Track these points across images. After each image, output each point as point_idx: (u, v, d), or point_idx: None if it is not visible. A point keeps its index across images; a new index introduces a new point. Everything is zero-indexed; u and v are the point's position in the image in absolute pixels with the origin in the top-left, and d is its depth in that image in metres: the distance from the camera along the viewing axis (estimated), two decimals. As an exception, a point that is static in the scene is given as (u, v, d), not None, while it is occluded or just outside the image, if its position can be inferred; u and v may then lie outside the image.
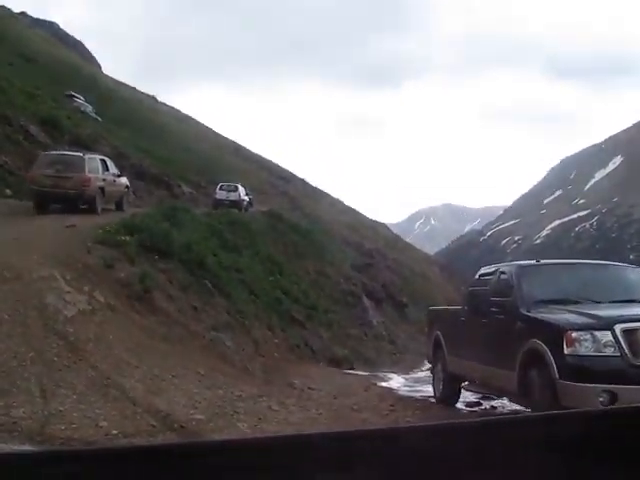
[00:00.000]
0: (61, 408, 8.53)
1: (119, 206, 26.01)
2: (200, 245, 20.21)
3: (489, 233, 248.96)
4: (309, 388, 14.30)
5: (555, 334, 8.13)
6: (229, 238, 25.37)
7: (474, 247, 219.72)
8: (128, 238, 17.25)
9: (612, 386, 7.63)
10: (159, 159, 47.41)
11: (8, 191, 25.41)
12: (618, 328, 7.83)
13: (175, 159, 52.40)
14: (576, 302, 9.20)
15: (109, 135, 43.92)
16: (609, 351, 7.81)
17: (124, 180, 27.24)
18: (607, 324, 7.93)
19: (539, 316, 8.85)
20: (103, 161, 25.22)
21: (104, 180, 24.40)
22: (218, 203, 39.19)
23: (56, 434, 7.67)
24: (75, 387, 9.35)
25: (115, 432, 8.09)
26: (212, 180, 54.36)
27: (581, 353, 7.89)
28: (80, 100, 52.86)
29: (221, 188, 41.91)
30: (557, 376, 7.94)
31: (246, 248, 26.34)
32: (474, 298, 10.95)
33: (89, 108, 52.55)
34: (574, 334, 7.97)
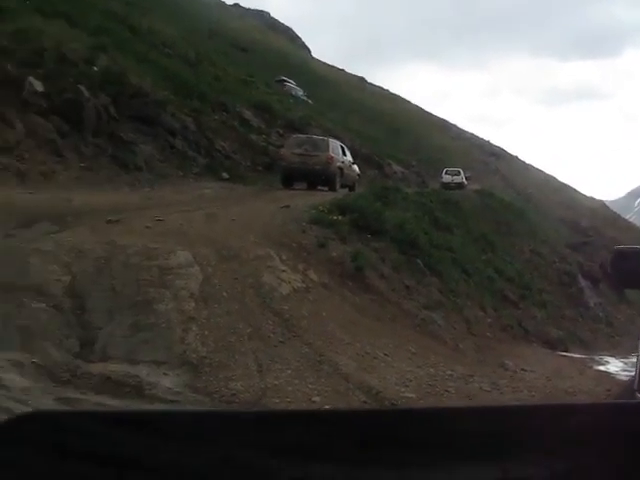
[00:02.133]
0: (276, 382, 8.76)
1: (351, 190, 27.08)
2: (412, 224, 20.14)
3: None
4: (522, 369, 13.90)
5: None
6: (440, 217, 25.14)
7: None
8: (341, 218, 17.46)
9: None
10: (369, 139, 47.80)
11: (225, 174, 26.47)
12: None
13: (385, 139, 52.67)
14: None
15: (320, 117, 44.72)
16: None
17: (356, 168, 29.54)
18: None
19: None
20: (342, 147, 27.96)
21: (342, 163, 26.83)
22: (444, 187, 41.94)
23: (271, 407, 7.88)
24: (289, 362, 9.56)
25: (327, 407, 8.19)
26: (422, 159, 54.21)
27: None
28: (291, 84, 54.20)
29: (446, 173, 46.46)
30: None
31: (458, 227, 26.02)
32: None
33: (300, 92, 53.76)
34: None
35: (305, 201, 20.20)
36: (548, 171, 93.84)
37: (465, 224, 27.83)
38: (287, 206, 18.87)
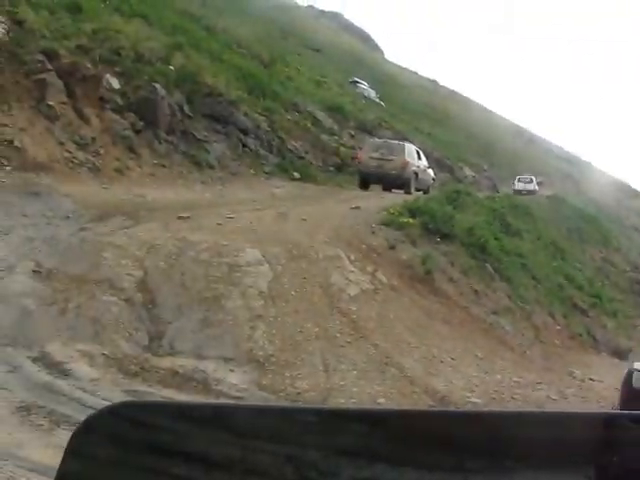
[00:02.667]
0: (342, 383, 8.75)
1: (425, 193, 27.29)
2: (482, 229, 19.93)
3: None
4: (590, 379, 13.64)
5: None
6: (511, 222, 24.82)
7: None
8: (411, 220, 17.38)
9: None
10: (440, 142, 47.51)
11: (296, 174, 26.58)
12: None
13: (456, 142, 52.26)
14: None
15: (392, 119, 44.60)
16: None
17: (431, 172, 30.20)
18: None
19: None
20: (417, 152, 28.48)
21: (417, 167, 27.37)
22: (517, 194, 42.10)
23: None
24: (355, 363, 9.54)
25: (392, 407, 8.14)
26: (494, 163, 53.64)
27: None
28: (364, 86, 54.13)
29: (519, 180, 47.52)
30: None
31: (528, 232, 25.66)
32: None
33: (372, 94, 53.66)
34: None
35: (376, 203, 20.15)
36: (623, 178, 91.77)
37: (536, 230, 27.44)
38: (357, 207, 18.86)
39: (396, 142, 28.48)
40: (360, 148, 29.24)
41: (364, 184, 26.36)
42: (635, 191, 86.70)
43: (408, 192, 25.32)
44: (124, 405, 1.23)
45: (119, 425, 1.19)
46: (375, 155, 26.27)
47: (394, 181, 25.98)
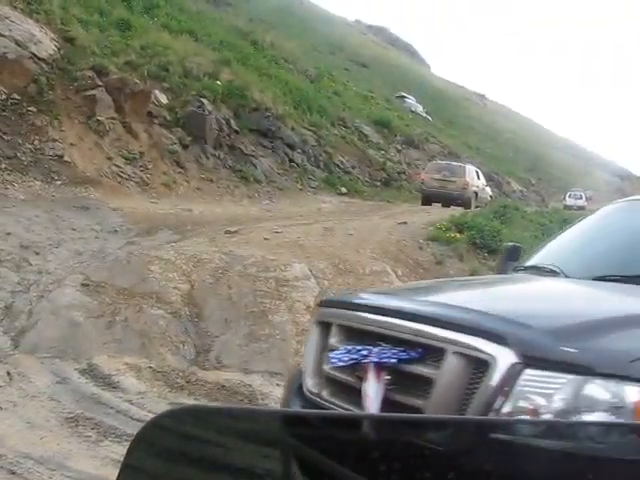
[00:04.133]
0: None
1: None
2: (530, 244, 19.66)
3: None
4: None
5: None
6: (560, 237, 24.48)
7: None
8: (458, 235, 17.23)
9: None
10: (488, 157, 47.26)
11: (343, 189, 26.57)
12: None
13: (504, 156, 51.95)
14: None
15: (439, 134, 44.47)
16: None
17: (489, 190, 31.99)
18: None
19: None
20: (477, 172, 30.33)
21: (477, 187, 29.11)
22: (567, 209, 42.88)
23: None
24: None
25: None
26: (542, 178, 53.19)
27: None
28: (411, 100, 54.08)
29: (569, 196, 48.40)
30: None
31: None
32: None
33: (419, 108, 53.58)
34: None
35: (422, 218, 20.03)
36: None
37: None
38: (404, 222, 18.75)
39: (457, 164, 29.95)
40: (423, 169, 30.87)
41: (427, 202, 27.37)
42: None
43: (468, 208, 26.18)
44: (173, 413, 1.21)
45: (169, 436, 1.17)
46: (437, 176, 27.68)
47: (456, 201, 26.97)
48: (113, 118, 19.81)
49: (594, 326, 2.68)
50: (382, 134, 35.21)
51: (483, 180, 31.12)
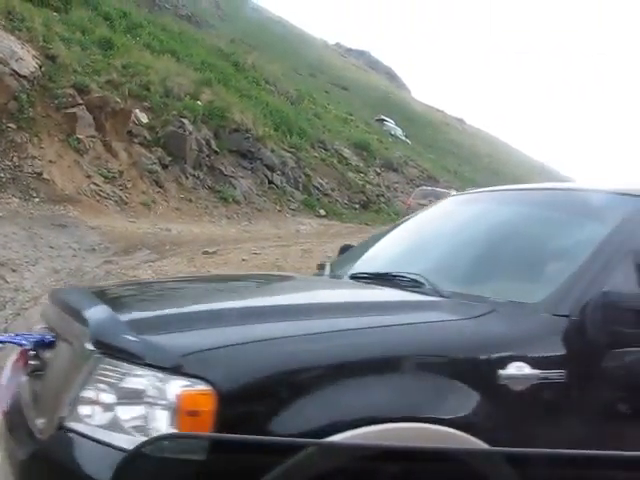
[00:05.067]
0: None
1: None
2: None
3: None
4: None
5: None
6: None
7: None
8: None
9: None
10: (467, 180, 47.47)
11: (321, 211, 26.62)
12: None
13: (483, 180, 52.13)
14: None
15: (418, 157, 44.69)
16: None
17: None
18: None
19: None
20: None
21: None
22: None
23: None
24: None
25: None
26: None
27: None
28: (390, 124, 54.28)
29: None
30: None
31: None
32: None
33: (399, 131, 53.79)
34: None
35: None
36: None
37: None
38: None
39: (443, 190, 30.54)
40: (407, 194, 32.37)
41: None
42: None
43: None
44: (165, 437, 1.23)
45: (152, 465, 1.19)
46: (423, 202, 28.04)
47: None
48: (93, 136, 19.80)
49: (179, 319, 2.62)
50: (361, 157, 35.36)
51: None
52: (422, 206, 28.59)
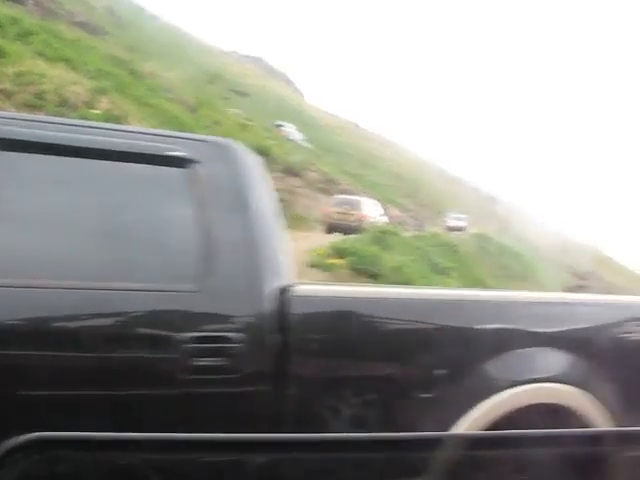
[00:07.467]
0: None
1: None
2: (409, 268, 20.18)
3: None
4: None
5: None
6: (438, 261, 25.19)
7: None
8: (339, 261, 17.50)
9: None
10: (367, 184, 48.09)
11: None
12: None
13: (382, 183, 52.91)
14: None
15: (318, 162, 44.99)
16: None
17: (385, 219, 35.20)
18: None
19: None
20: (374, 205, 34.19)
21: (374, 218, 32.07)
22: (449, 230, 46.42)
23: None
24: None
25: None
26: (420, 203, 54.46)
27: None
28: (289, 129, 54.55)
29: (452, 218, 52.05)
30: None
31: (455, 270, 26.07)
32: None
33: (298, 136, 54.08)
34: None
35: (304, 244, 20.25)
36: (544, 215, 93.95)
37: (462, 268, 27.90)
38: (286, 249, 18.90)
39: (356, 199, 33.51)
40: (326, 204, 34.15)
41: (329, 232, 30.09)
42: (555, 227, 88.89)
43: None
44: (32, 440, 1.22)
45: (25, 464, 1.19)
46: (339, 210, 31.18)
47: (355, 230, 28.82)
48: (-13, 148, 19.30)
49: None
50: (262, 163, 35.42)
51: (380, 211, 34.65)
52: (338, 213, 30.41)
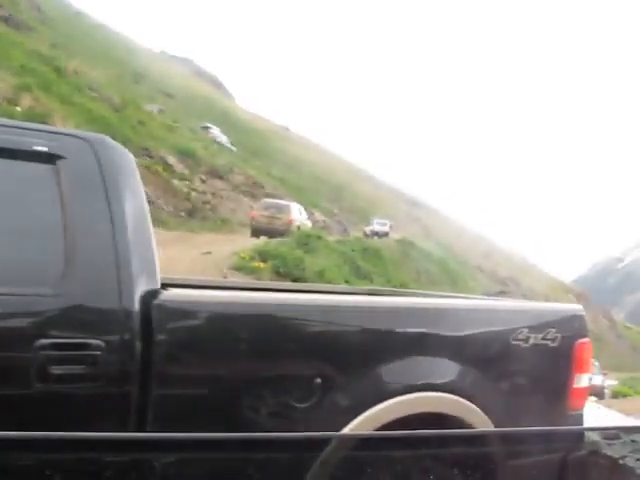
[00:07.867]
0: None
1: None
2: (333, 272, 20.38)
3: (629, 259, 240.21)
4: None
5: None
6: (361, 265, 25.45)
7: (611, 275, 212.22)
8: (262, 265, 17.59)
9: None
10: (292, 187, 48.21)
11: (148, 220, 26.41)
12: None
13: (307, 187, 53.11)
14: None
15: (244, 165, 44.96)
16: None
17: (309, 223, 35.19)
18: None
19: None
20: (299, 209, 33.93)
21: (300, 222, 32.14)
22: (373, 235, 46.92)
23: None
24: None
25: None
26: (345, 207, 54.77)
27: None
28: (215, 131, 54.38)
29: (376, 223, 51.27)
30: None
31: (378, 275, 26.36)
32: None
33: (224, 139, 53.95)
34: None
35: (228, 247, 20.26)
36: (468, 220, 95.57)
37: (385, 272, 28.21)
38: (209, 252, 18.92)
39: (284, 203, 33.43)
40: (252, 207, 34.39)
41: (255, 234, 29.89)
42: (478, 233, 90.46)
43: None
44: None
45: None
46: (266, 214, 30.86)
47: (281, 234, 28.72)
48: None
49: None
50: (187, 164, 35.24)
51: (305, 215, 34.47)
52: (264, 217, 30.07)
